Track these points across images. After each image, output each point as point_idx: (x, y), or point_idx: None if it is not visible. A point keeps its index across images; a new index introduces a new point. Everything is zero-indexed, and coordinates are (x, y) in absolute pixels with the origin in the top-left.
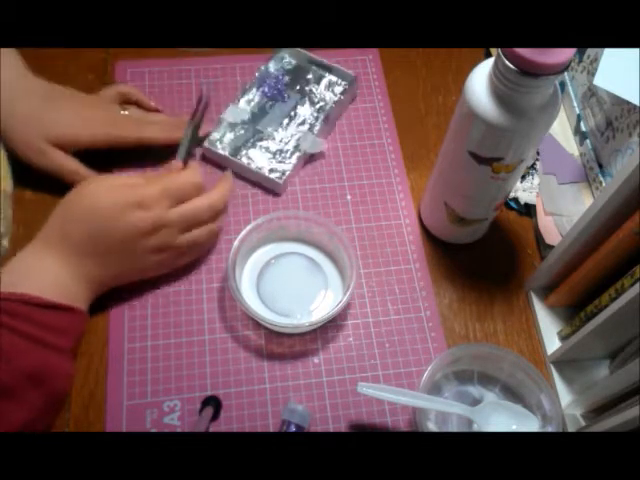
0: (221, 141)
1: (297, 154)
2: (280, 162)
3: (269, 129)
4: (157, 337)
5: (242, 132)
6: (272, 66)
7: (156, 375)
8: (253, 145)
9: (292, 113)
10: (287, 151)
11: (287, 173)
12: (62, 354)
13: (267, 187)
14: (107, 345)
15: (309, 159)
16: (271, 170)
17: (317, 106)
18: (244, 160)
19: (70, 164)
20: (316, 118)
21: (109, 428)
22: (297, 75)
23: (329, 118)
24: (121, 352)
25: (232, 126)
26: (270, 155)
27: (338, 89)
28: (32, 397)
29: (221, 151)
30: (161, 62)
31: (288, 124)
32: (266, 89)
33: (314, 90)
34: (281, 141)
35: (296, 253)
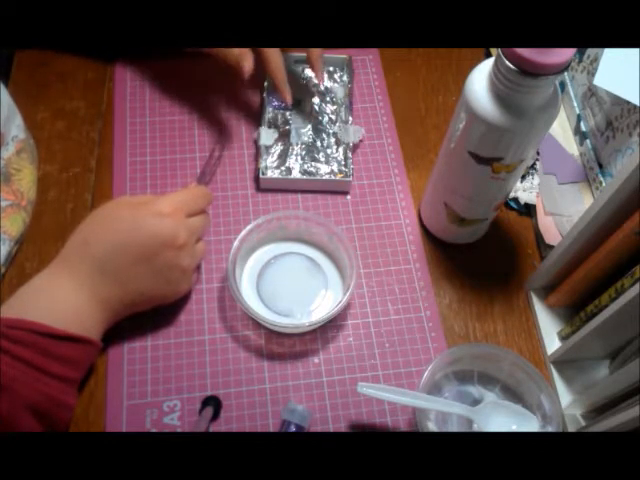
0: (270, 167)
1: (342, 147)
2: (333, 161)
3: (303, 138)
4: (157, 337)
5: (280, 149)
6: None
7: (156, 375)
8: (302, 158)
9: (313, 114)
10: (332, 148)
11: (351, 167)
12: (69, 385)
13: (334, 190)
14: (107, 345)
15: (352, 149)
16: (333, 172)
17: (332, 99)
18: (307, 175)
19: (222, 56)
20: (339, 110)
21: (109, 428)
22: (293, 78)
23: (351, 104)
24: (121, 352)
25: (268, 149)
26: (322, 159)
27: (339, 76)
28: (32, 428)
29: (280, 175)
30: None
31: (316, 126)
32: (275, 103)
33: (321, 86)
34: (322, 144)
35: (296, 253)
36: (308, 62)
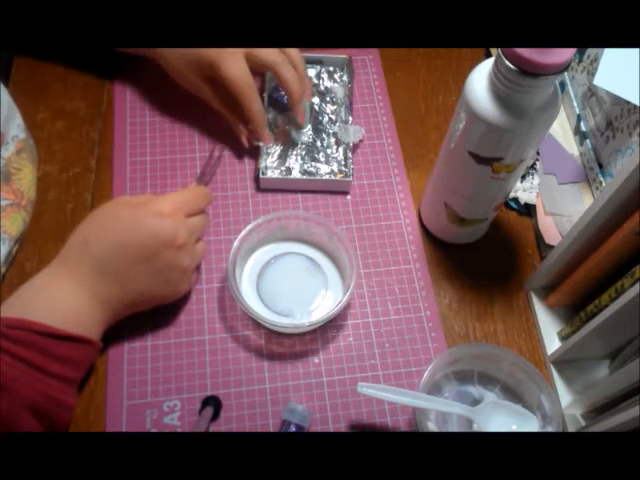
0: (270, 167)
1: (342, 147)
2: (333, 161)
3: (303, 138)
4: (157, 337)
5: (280, 149)
6: (268, 79)
7: (156, 375)
8: (302, 158)
9: (313, 114)
10: (332, 148)
11: (351, 167)
12: (69, 385)
13: (334, 190)
14: (107, 345)
15: (352, 149)
16: (333, 172)
17: (332, 99)
18: (307, 175)
19: (215, 104)
20: (339, 110)
21: (109, 428)
22: None
23: (351, 104)
24: (121, 352)
25: (269, 150)
26: (322, 159)
27: (339, 76)
28: (32, 428)
29: (280, 175)
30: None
31: (316, 126)
32: (276, 102)
33: (321, 86)
34: (322, 144)
35: (296, 253)
36: (289, 103)
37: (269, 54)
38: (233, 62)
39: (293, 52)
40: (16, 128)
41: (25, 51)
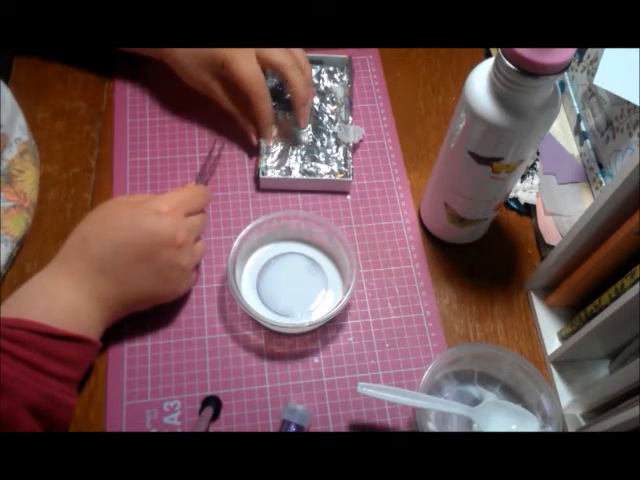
0: (270, 167)
1: (342, 147)
2: (333, 161)
3: (303, 138)
4: (157, 337)
5: (280, 149)
6: (269, 78)
7: (156, 375)
8: (302, 158)
9: (313, 114)
10: (332, 148)
11: (351, 167)
12: (69, 385)
13: (334, 190)
14: (107, 345)
15: (352, 149)
16: (333, 172)
17: (332, 99)
18: (307, 175)
19: (225, 103)
20: (339, 110)
21: (109, 428)
22: None
23: (351, 104)
24: (121, 352)
25: (269, 150)
26: (322, 159)
27: (339, 76)
28: (32, 428)
29: (280, 175)
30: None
31: (316, 126)
32: (274, 103)
33: (321, 86)
34: (322, 144)
35: (296, 253)
36: (293, 107)
37: (278, 55)
38: (245, 60)
39: (301, 56)
40: (19, 130)
41: (25, 51)
